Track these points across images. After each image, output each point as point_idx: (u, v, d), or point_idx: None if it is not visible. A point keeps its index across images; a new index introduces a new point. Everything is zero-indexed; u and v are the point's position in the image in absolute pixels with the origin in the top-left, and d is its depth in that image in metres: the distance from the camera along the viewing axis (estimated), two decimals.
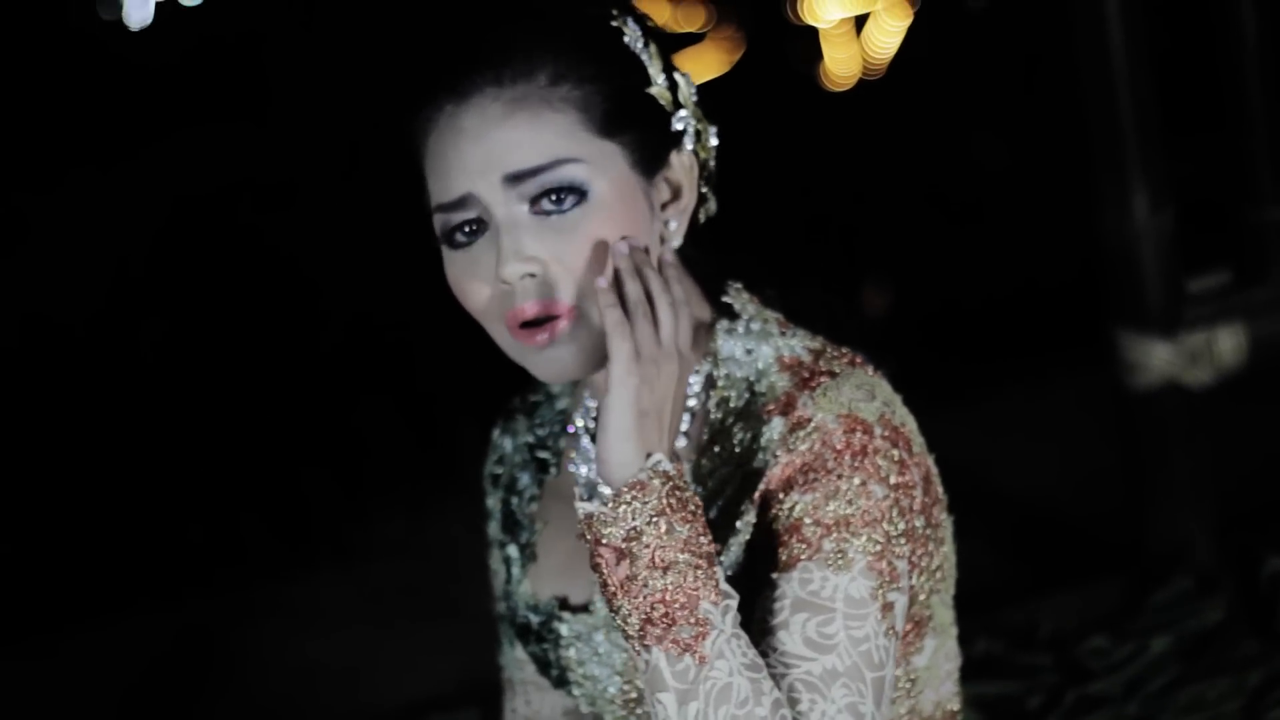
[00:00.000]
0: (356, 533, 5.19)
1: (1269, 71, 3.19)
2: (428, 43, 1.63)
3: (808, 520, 1.52)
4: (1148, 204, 3.14)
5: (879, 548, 1.52)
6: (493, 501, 1.92)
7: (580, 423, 1.77)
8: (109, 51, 8.20)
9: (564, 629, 1.75)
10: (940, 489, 1.66)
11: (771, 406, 1.60)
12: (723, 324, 1.68)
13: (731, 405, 1.64)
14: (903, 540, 1.55)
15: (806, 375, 1.61)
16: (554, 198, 1.55)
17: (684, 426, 1.67)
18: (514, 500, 1.87)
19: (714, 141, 1.70)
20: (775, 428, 1.59)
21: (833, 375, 1.60)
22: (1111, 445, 3.49)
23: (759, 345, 1.66)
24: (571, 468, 1.78)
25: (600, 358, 1.58)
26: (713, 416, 1.65)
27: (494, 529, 1.91)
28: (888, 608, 1.52)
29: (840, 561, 1.51)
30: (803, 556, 1.51)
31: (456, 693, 3.69)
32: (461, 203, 1.57)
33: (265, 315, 7.02)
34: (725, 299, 1.70)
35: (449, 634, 4.18)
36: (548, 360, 1.58)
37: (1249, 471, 3.72)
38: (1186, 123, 3.60)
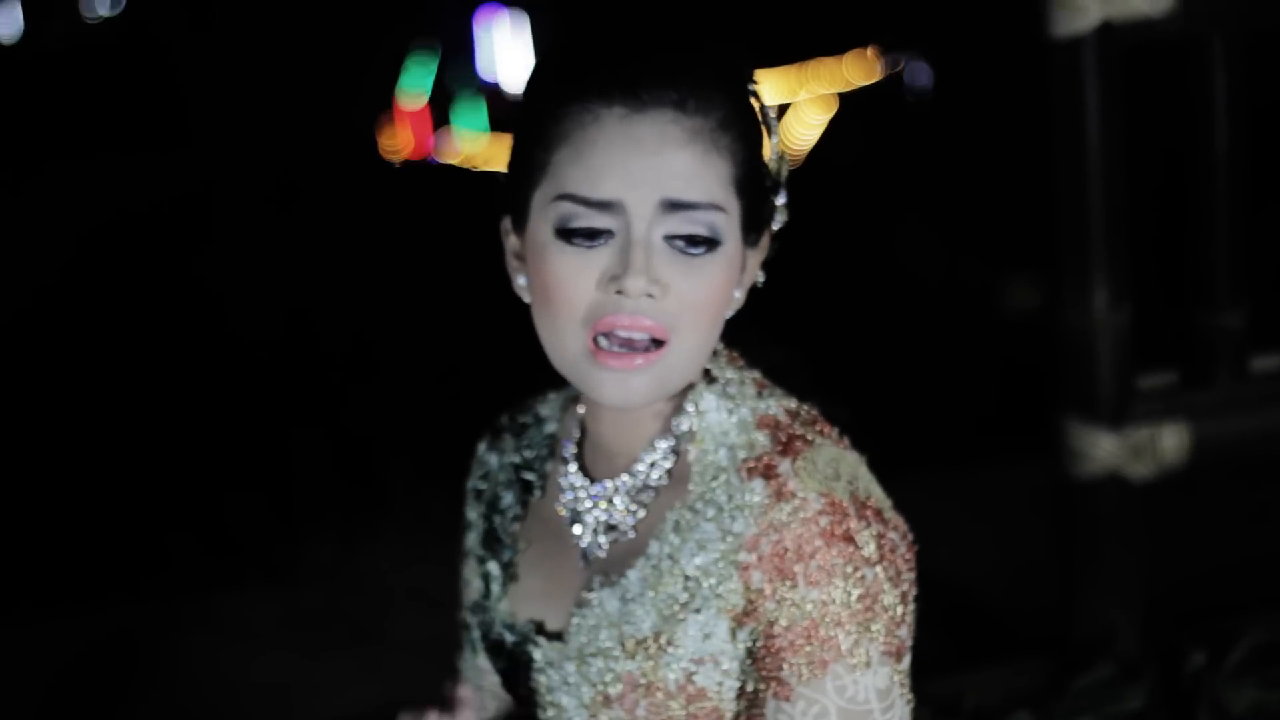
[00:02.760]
0: (286, 555, 5.21)
1: (1235, 181, 3.27)
2: (603, 42, 1.62)
3: (819, 618, 1.56)
4: (1108, 298, 3.21)
5: (884, 629, 1.57)
6: (474, 515, 1.92)
7: (570, 450, 1.79)
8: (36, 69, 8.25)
9: (537, 654, 1.75)
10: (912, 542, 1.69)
11: (751, 464, 1.63)
12: (704, 379, 1.71)
13: (709, 459, 1.66)
14: (899, 608, 1.59)
15: (784, 439, 1.64)
16: (693, 240, 1.57)
17: (668, 464, 1.69)
18: (496, 518, 1.88)
19: (781, 224, 1.72)
20: (756, 491, 1.61)
21: (808, 442, 1.63)
22: (1048, 536, 3.56)
23: (738, 406, 1.69)
24: (560, 497, 1.78)
25: (665, 393, 1.63)
26: (695, 469, 1.67)
27: (472, 540, 1.91)
28: (904, 679, 1.60)
29: (861, 657, 1.55)
30: (829, 659, 1.56)
31: (380, 716, 3.69)
32: (606, 205, 1.56)
33: (210, 340, 7.05)
34: (706, 365, 1.72)
35: (375, 660, 4.21)
36: (622, 384, 1.59)
37: (1179, 567, 3.79)
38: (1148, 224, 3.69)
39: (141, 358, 6.81)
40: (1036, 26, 3.23)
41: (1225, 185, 3.27)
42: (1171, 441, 3.30)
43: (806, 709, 1.56)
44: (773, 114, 1.68)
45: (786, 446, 1.63)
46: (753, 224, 1.65)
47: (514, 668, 1.80)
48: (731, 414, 1.68)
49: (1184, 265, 3.38)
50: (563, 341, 1.61)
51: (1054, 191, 3.23)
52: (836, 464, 1.62)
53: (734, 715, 1.62)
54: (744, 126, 1.61)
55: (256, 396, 6.59)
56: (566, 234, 1.58)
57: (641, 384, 1.60)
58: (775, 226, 1.70)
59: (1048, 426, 3.45)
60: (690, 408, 1.69)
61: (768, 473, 1.61)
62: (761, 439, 1.65)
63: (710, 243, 1.58)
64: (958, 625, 3.92)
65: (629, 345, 1.58)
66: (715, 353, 1.73)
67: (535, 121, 1.61)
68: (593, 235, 1.57)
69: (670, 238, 1.57)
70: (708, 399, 1.69)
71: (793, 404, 1.70)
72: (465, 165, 14.52)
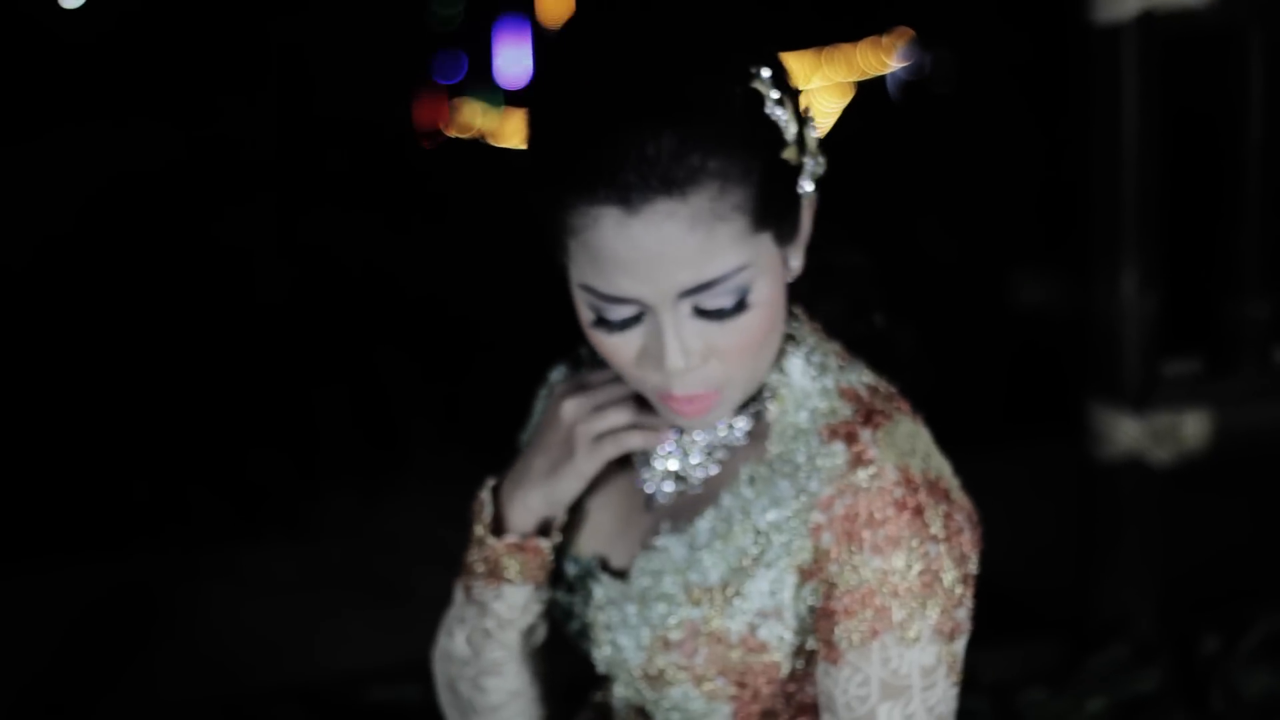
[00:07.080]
0: (307, 511, 5.25)
1: (1268, 174, 3.30)
2: (579, 134, 1.46)
3: (876, 586, 1.56)
4: (1137, 284, 3.24)
5: (940, 607, 1.56)
6: None
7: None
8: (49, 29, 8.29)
9: (598, 591, 1.76)
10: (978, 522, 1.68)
11: (835, 426, 1.63)
12: (791, 341, 1.70)
13: (789, 419, 1.67)
14: (958, 589, 1.57)
15: (866, 411, 1.64)
16: (721, 311, 1.53)
17: (747, 426, 1.70)
18: None
19: (821, 169, 1.62)
20: (837, 454, 1.61)
21: (887, 417, 1.63)
22: (1062, 519, 3.58)
23: (821, 374, 1.69)
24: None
25: (739, 404, 1.64)
26: (774, 429, 1.68)
27: None
28: (953, 658, 1.59)
29: (913, 632, 1.56)
30: (880, 629, 1.56)
31: (398, 669, 3.71)
32: (623, 301, 1.52)
33: (237, 297, 7.09)
34: (787, 330, 1.70)
35: (393, 615, 4.22)
36: (694, 420, 1.61)
37: (1196, 552, 3.82)
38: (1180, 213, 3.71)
39: (172, 314, 6.85)
40: (1077, 12, 3.26)
41: (1258, 178, 3.30)
42: (1193, 428, 3.33)
43: (851, 675, 1.58)
44: (775, 100, 1.52)
45: (867, 419, 1.63)
46: (787, 227, 1.57)
47: (572, 600, 1.81)
48: (815, 380, 1.68)
49: (1213, 255, 3.41)
50: (629, 378, 1.62)
51: (1088, 176, 3.25)
52: (913, 440, 1.62)
53: (789, 671, 1.65)
54: (746, 165, 1.49)
55: (282, 355, 6.62)
56: (602, 324, 1.55)
57: (713, 415, 1.61)
58: (810, 188, 1.60)
59: (1068, 410, 3.48)
60: (776, 374, 1.69)
61: (849, 438, 1.61)
62: (844, 407, 1.65)
63: (740, 303, 1.53)
64: (975, 602, 3.93)
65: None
66: (794, 316, 1.72)
67: (545, 197, 1.51)
68: (623, 324, 1.54)
69: (699, 311, 1.53)
70: (794, 363, 1.69)
71: (871, 379, 1.70)
72: (479, 138, 14.44)
